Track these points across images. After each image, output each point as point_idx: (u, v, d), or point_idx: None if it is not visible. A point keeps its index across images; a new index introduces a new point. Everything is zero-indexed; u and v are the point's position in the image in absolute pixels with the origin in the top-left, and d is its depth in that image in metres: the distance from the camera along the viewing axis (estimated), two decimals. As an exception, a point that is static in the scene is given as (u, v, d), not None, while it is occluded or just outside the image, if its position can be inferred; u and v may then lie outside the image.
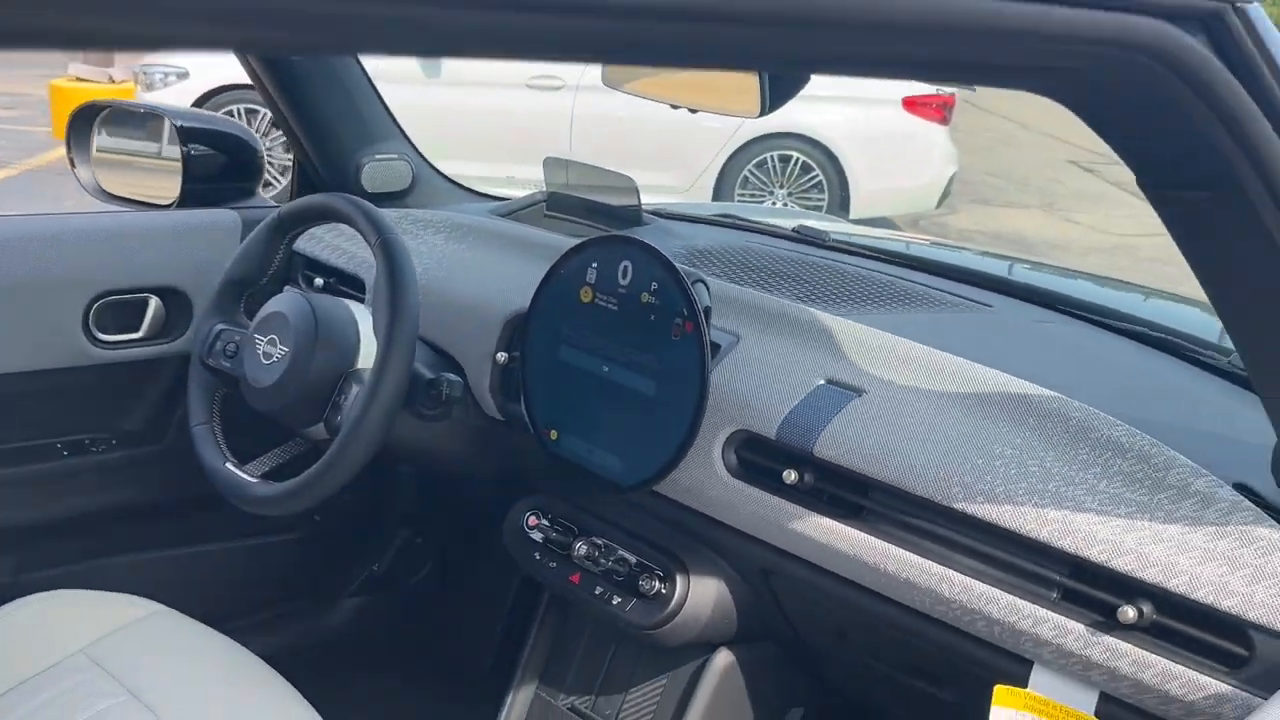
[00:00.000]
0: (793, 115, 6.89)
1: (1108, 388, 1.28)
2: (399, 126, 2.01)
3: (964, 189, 8.07)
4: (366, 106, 1.93)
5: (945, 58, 0.72)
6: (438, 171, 2.08)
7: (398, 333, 1.37)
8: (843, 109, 6.92)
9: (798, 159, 6.96)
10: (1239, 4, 0.73)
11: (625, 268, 1.35)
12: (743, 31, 0.59)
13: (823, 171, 6.96)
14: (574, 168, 1.98)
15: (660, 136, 6.74)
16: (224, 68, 6.75)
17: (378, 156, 1.94)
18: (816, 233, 1.83)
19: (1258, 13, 0.74)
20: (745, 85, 1.24)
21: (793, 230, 1.86)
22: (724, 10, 0.55)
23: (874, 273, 1.64)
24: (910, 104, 6.99)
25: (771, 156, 6.96)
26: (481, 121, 6.96)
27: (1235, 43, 0.74)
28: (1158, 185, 0.86)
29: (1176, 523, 1.01)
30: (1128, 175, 0.87)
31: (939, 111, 7.08)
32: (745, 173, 6.97)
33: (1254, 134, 0.77)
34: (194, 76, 7.03)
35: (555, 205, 1.93)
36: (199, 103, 6.81)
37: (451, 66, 6.92)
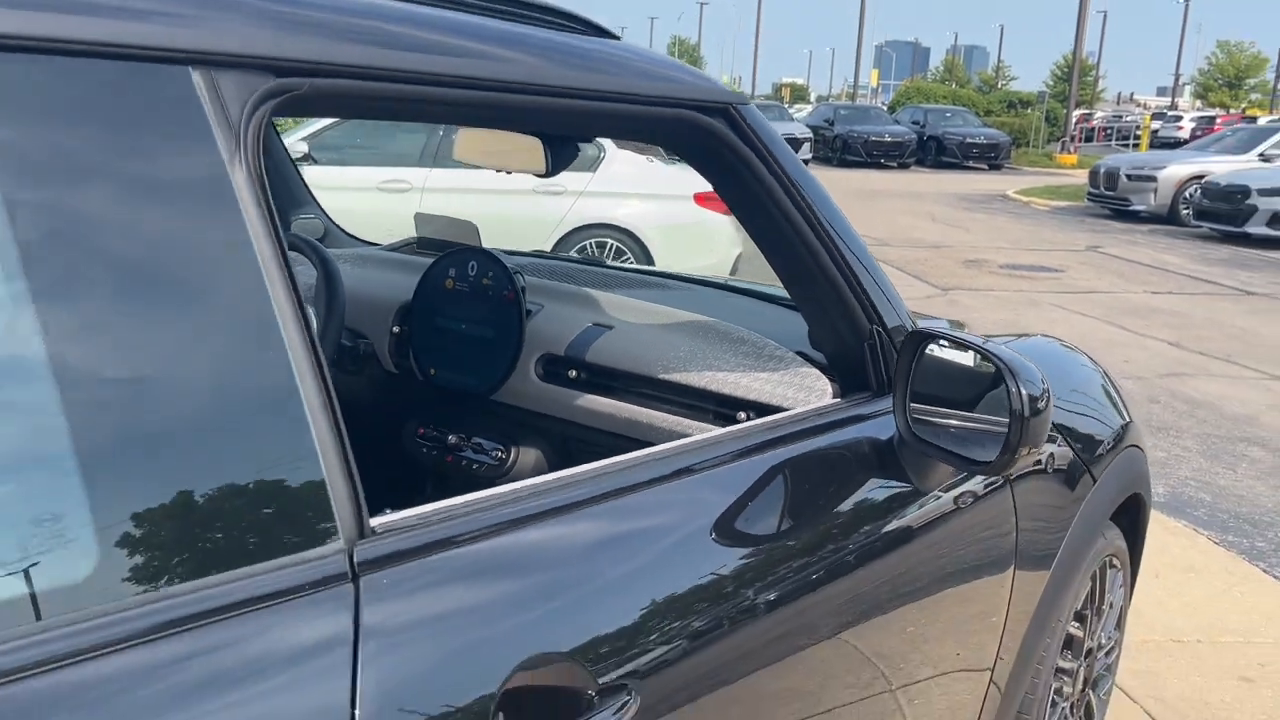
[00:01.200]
0: (608, 209, 7.71)
1: (737, 316, 2.02)
2: (312, 194, 2.65)
3: (748, 265, 9.03)
4: (291, 180, 2.58)
5: (603, 130, 1.43)
6: (338, 226, 2.73)
7: (331, 318, 2.01)
8: (646, 204, 7.78)
9: (612, 244, 7.74)
10: (734, 105, 1.45)
11: (472, 265, 2.04)
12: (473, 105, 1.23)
13: (633, 255, 7.75)
14: (435, 220, 2.66)
15: (497, 227, 7.42)
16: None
17: (300, 216, 2.58)
18: (592, 258, 2.57)
19: (747, 108, 1.47)
20: (534, 152, 1.87)
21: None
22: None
23: (621, 273, 2.39)
24: (700, 199, 7.88)
25: (590, 243, 7.73)
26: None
27: (735, 123, 1.45)
28: (729, 203, 1.58)
29: (767, 371, 1.74)
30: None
31: (724, 204, 8.00)
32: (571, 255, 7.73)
33: (758, 171, 1.49)
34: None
35: (423, 245, 2.60)
36: None
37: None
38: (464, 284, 2.05)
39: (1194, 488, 4.82)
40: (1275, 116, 44.26)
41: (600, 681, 1.02)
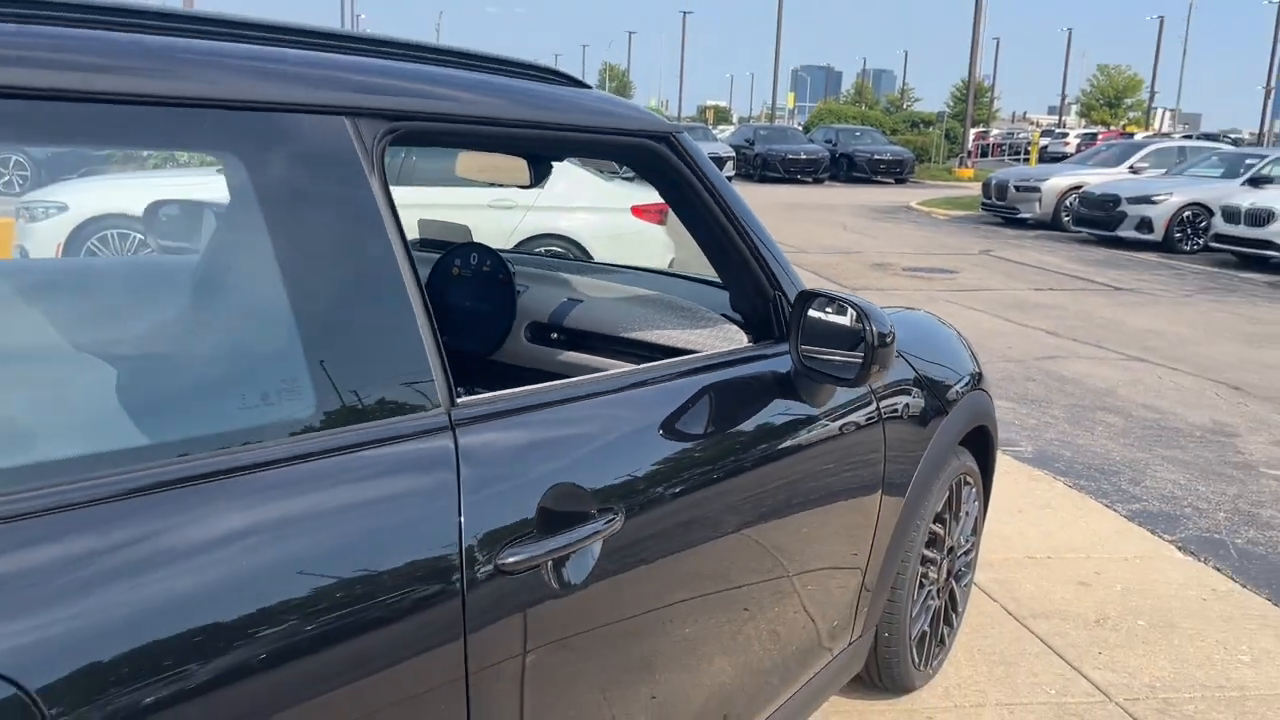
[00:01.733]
0: (555, 221, 8.20)
1: (677, 292, 2.52)
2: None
3: (681, 267, 9.57)
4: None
5: (582, 153, 1.93)
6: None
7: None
8: (589, 215, 8.29)
9: (559, 251, 8.25)
10: (673, 134, 1.96)
11: (474, 256, 2.53)
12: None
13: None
14: (434, 224, 3.13)
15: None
16: (99, 199, 7.38)
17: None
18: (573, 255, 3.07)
19: (682, 135, 1.98)
20: (520, 170, 2.37)
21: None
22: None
23: (588, 264, 2.89)
24: (637, 211, 8.42)
25: (540, 251, 8.21)
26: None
27: (674, 147, 1.96)
28: (672, 205, 2.08)
29: (700, 328, 2.26)
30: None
31: (657, 215, 8.54)
32: (521, 264, 8.21)
33: (696, 185, 2.00)
34: (72, 209, 7.51)
35: (425, 244, 3.07)
36: (76, 232, 7.27)
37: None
38: (468, 270, 2.54)
39: (1057, 446, 5.45)
40: (1150, 133, 46.14)
41: (598, 504, 1.53)
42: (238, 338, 1.34)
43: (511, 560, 1.35)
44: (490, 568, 1.33)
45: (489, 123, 1.61)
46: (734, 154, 26.92)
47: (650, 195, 8.99)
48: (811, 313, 2.01)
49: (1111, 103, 57.13)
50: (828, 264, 12.39)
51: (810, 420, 2.11)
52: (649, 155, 1.92)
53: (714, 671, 1.88)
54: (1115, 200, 15.38)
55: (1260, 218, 13.34)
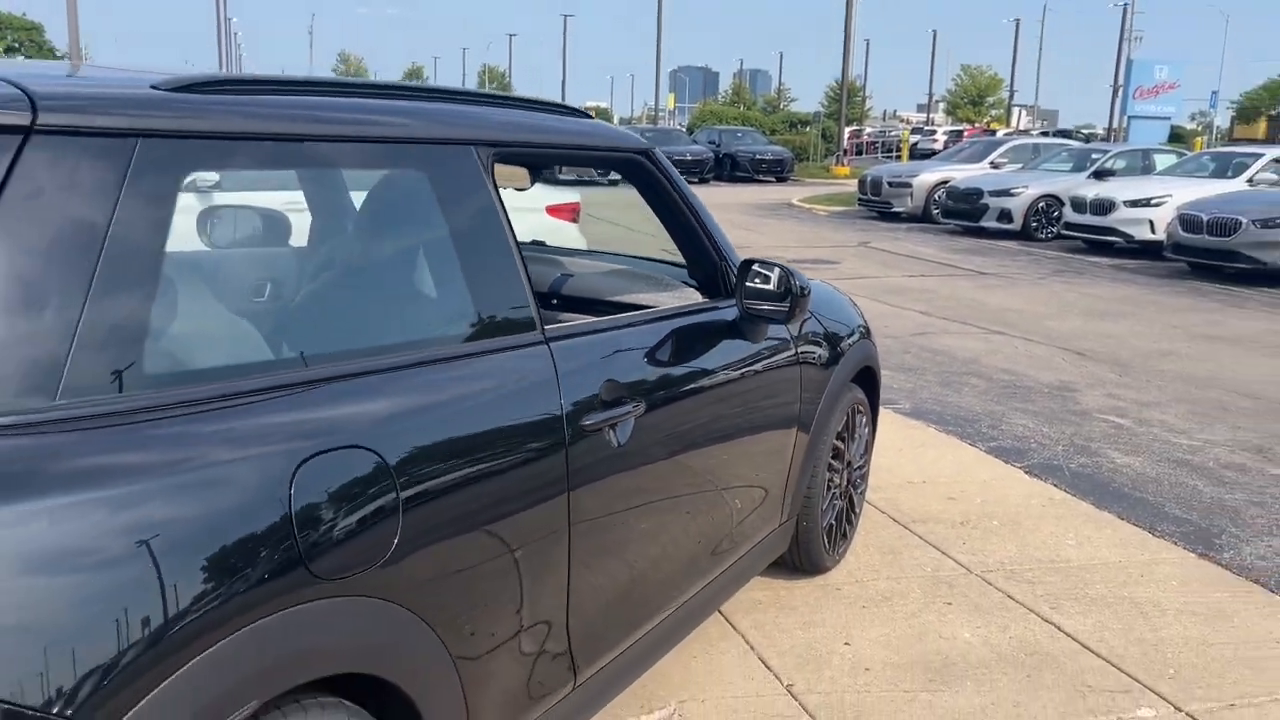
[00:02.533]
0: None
1: (646, 268, 3.35)
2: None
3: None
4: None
5: (585, 165, 2.74)
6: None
7: None
8: (516, 218, 9.02)
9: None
10: (650, 150, 2.76)
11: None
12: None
13: (497, 258, 8.99)
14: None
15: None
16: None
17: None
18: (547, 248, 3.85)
19: (657, 151, 2.79)
20: (520, 174, 3.20)
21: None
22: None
23: (575, 251, 3.69)
24: (551, 210, 9.19)
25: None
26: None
27: (653, 160, 2.78)
28: (648, 200, 2.90)
29: (666, 291, 3.08)
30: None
31: (570, 215, 9.33)
32: (445, 262, 8.88)
33: (665, 186, 2.83)
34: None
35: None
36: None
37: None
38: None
39: (930, 403, 6.45)
40: (1010, 130, 48.89)
41: (630, 394, 2.33)
42: (435, 277, 2.08)
43: (588, 424, 2.15)
44: (578, 427, 2.13)
45: (543, 146, 2.42)
46: (712, 157, 28.69)
47: (563, 196, 9.79)
48: (751, 273, 2.85)
49: (975, 101, 60.43)
50: (721, 258, 13.32)
51: (751, 356, 2.95)
52: (635, 165, 2.74)
53: (690, 524, 2.71)
54: (978, 194, 16.82)
55: (1104, 207, 14.88)
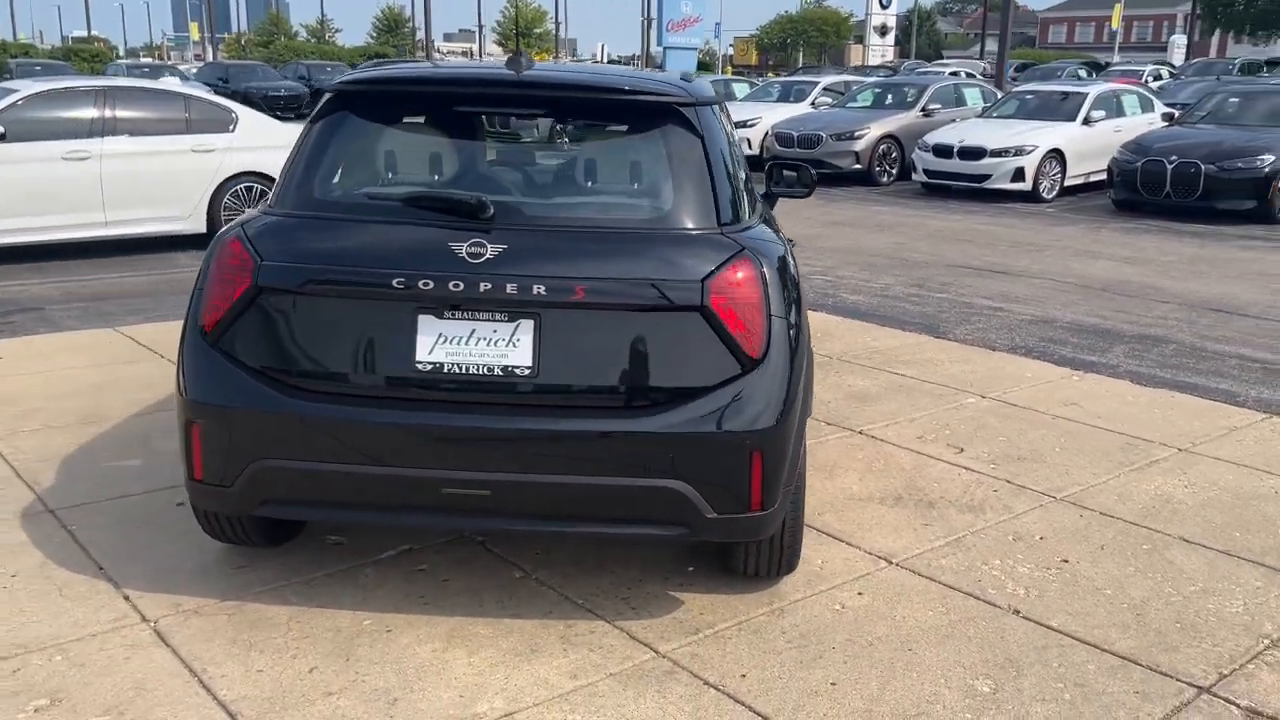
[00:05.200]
0: (250, 161, 9.71)
1: None
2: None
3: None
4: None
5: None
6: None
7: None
8: (279, 154, 9.64)
9: (258, 189, 9.78)
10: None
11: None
12: None
13: (273, 194, 9.86)
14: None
15: (164, 180, 9.21)
16: None
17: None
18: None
19: (704, 109, 4.56)
20: None
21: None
22: None
23: None
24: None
25: (241, 188, 9.69)
26: (30, 189, 8.75)
27: (697, 114, 4.59)
28: None
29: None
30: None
31: (330, 151, 10.37)
32: (226, 200, 9.63)
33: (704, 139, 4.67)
34: None
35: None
36: None
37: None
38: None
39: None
40: (561, 60, 52.64)
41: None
42: (677, 184, 3.77)
43: None
44: None
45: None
46: (307, 92, 27.91)
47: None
48: (780, 166, 4.83)
49: (524, 33, 63.69)
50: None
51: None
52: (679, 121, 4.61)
53: None
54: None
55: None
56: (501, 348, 2.88)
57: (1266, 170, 11.94)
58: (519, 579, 3.35)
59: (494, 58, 55.11)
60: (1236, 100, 13.87)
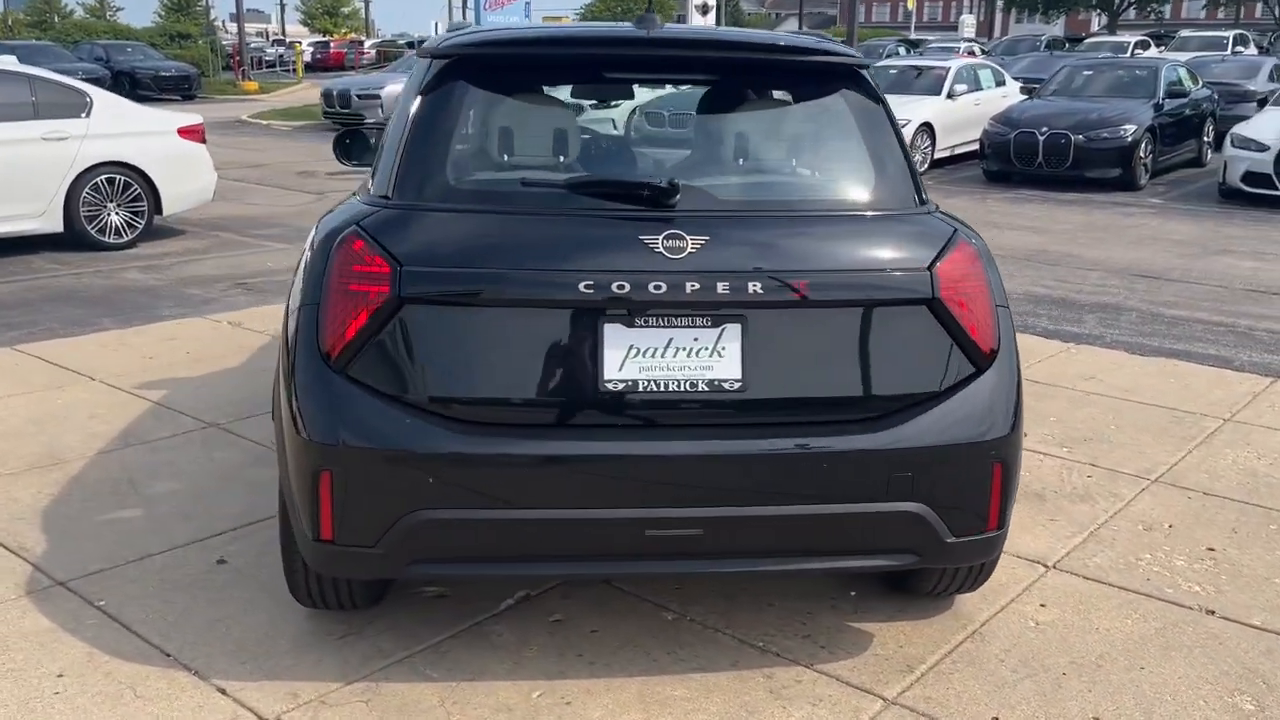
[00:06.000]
0: (111, 150, 8.57)
1: None
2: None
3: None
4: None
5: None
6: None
7: None
8: (141, 141, 8.66)
9: (120, 179, 8.68)
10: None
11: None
12: None
13: (139, 186, 8.78)
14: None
15: (11, 174, 8.01)
16: None
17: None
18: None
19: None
20: None
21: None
22: None
23: None
24: (182, 131, 9.14)
25: (101, 180, 8.57)
26: None
27: (872, 77, 4.14)
28: None
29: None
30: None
31: (199, 136, 9.33)
32: (85, 194, 8.49)
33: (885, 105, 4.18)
34: None
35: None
36: None
37: None
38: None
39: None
40: (375, 40, 50.70)
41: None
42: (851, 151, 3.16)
43: None
44: None
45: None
46: (108, 74, 25.71)
47: (191, 118, 9.64)
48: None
49: (330, 11, 60.86)
50: (257, 177, 13.57)
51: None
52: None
53: None
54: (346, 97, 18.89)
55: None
56: (704, 358, 2.42)
57: (1129, 140, 12.48)
58: (673, 621, 2.89)
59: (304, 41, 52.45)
60: (1087, 74, 14.50)
